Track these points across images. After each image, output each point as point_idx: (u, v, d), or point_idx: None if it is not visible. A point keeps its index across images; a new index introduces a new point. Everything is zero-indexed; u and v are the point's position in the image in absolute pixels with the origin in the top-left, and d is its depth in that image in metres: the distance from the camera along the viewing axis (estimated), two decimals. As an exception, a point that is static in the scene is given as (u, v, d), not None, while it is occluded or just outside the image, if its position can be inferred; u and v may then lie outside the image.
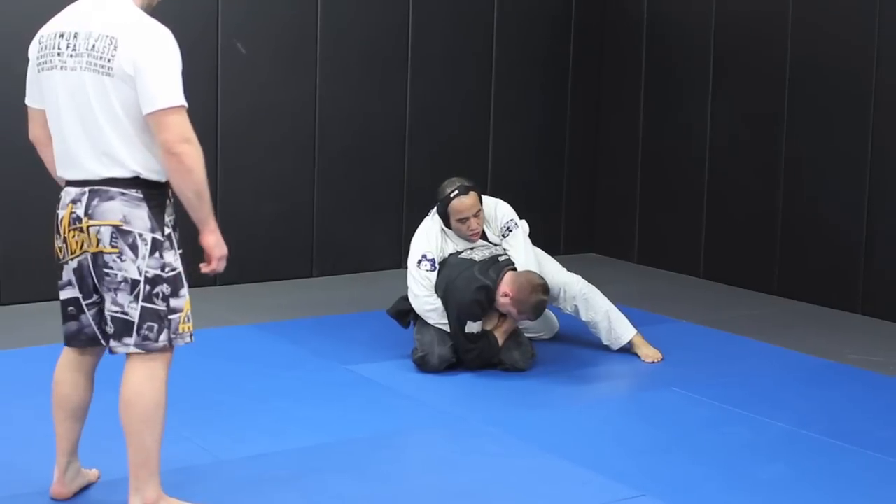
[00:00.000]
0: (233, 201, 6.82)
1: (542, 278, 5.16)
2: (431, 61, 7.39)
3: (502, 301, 5.08)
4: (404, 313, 5.39)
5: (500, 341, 5.18)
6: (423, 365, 5.18)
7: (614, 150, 8.02)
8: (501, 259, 5.24)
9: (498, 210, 5.47)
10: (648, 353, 5.46)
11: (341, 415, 4.61)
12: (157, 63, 3.26)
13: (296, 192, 7.07)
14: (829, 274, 6.69)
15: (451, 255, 5.33)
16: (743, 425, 4.60)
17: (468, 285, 5.08)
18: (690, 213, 7.46)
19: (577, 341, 5.72)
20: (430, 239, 5.35)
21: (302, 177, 7.07)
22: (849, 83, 6.51)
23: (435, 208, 5.41)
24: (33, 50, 3.50)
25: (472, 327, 5.12)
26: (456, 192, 5.29)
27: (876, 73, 6.38)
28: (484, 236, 5.43)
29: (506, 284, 5.07)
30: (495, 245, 5.39)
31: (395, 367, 5.24)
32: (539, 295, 5.05)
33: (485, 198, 5.47)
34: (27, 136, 6.25)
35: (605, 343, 5.51)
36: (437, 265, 5.28)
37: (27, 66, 6.47)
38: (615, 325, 5.49)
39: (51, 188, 6.16)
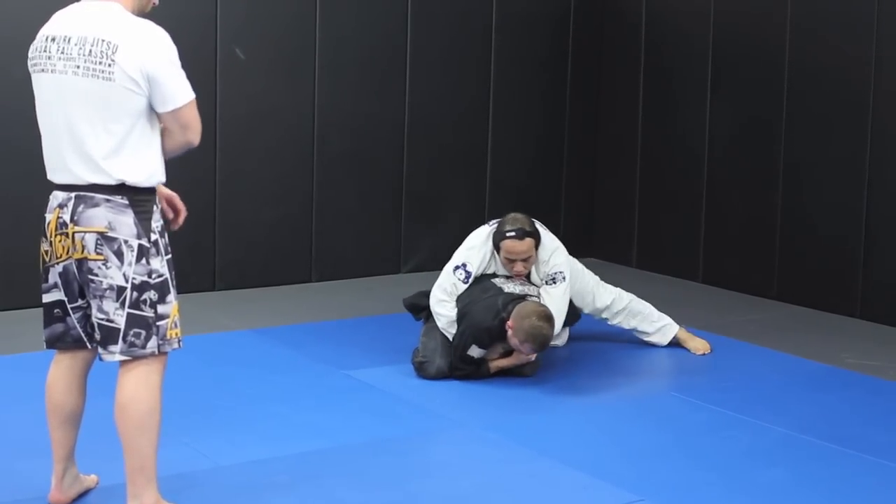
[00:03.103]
0: (232, 206, 6.82)
1: (546, 309, 5.03)
2: (430, 66, 7.39)
3: (509, 334, 5.01)
4: (419, 308, 5.39)
5: (492, 372, 5.16)
6: (419, 370, 5.17)
7: (613, 155, 8.03)
8: (529, 299, 5.12)
9: (553, 258, 5.31)
10: (696, 345, 5.71)
11: (340, 420, 4.61)
12: (166, 64, 3.32)
13: (295, 197, 7.07)
14: (827, 278, 6.69)
15: (488, 273, 5.29)
16: (742, 430, 4.60)
17: (487, 313, 5.03)
18: (689, 217, 7.46)
19: (579, 347, 5.72)
20: (478, 253, 5.31)
21: (301, 182, 7.07)
22: (847, 87, 6.52)
23: (496, 226, 5.33)
24: (29, 53, 3.50)
25: (475, 352, 5.09)
26: (513, 234, 5.20)
27: (874, 78, 6.38)
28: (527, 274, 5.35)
29: (511, 316, 4.99)
30: (535, 286, 5.30)
31: (395, 373, 5.24)
32: (533, 320, 4.91)
33: (548, 239, 5.35)
34: (24, 141, 6.26)
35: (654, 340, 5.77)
36: (471, 279, 5.26)
37: (25, 70, 6.47)
38: (659, 329, 5.75)
39: (49, 193, 6.18)
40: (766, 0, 6.94)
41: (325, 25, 7.00)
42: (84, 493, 3.74)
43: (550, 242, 5.37)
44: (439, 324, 5.21)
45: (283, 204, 7.03)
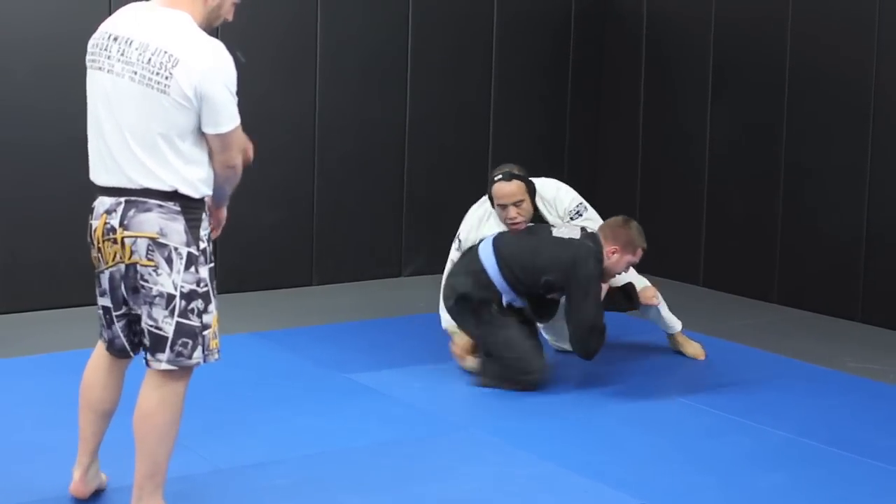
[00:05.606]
0: (232, 209, 6.75)
1: (620, 217, 5.12)
2: (431, 69, 7.40)
3: (611, 262, 4.95)
4: (464, 301, 5.12)
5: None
6: (533, 385, 4.97)
7: (613, 159, 8.03)
8: (590, 230, 5.06)
9: (562, 194, 5.35)
10: (695, 350, 5.64)
11: (341, 424, 4.60)
12: (221, 88, 3.30)
13: (296, 201, 7.07)
14: (828, 282, 6.69)
15: (541, 225, 5.19)
16: (743, 434, 4.60)
17: (589, 259, 4.89)
18: (690, 221, 7.46)
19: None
20: (471, 218, 5.38)
21: (302, 185, 7.07)
22: (848, 91, 6.52)
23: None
24: (88, 46, 3.42)
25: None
26: (500, 177, 5.21)
27: (875, 81, 6.39)
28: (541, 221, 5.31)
29: (606, 244, 4.94)
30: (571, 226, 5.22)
31: (396, 376, 5.24)
32: (631, 223, 5.00)
33: (546, 182, 5.36)
34: (27, 143, 6.29)
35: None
36: (462, 245, 5.30)
37: (27, 73, 6.50)
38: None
39: (51, 196, 6.19)
40: (767, 3, 6.95)
41: (326, 28, 7.00)
42: (99, 492, 3.74)
43: (552, 185, 5.39)
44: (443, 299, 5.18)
45: (283, 207, 7.03)
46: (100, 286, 3.45)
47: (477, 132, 7.65)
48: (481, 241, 5.19)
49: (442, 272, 5.41)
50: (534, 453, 4.32)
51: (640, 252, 5.04)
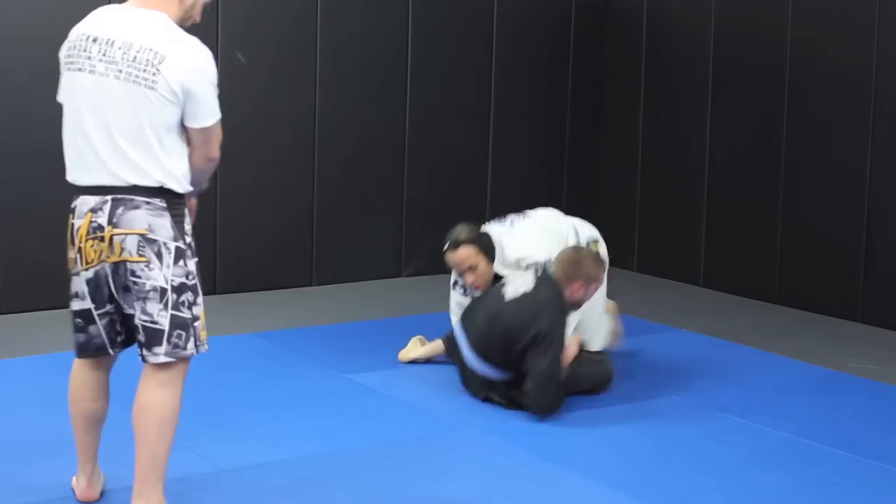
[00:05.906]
0: (232, 211, 6.81)
1: (567, 249, 4.92)
2: (431, 72, 7.39)
3: (578, 296, 4.78)
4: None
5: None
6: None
7: (614, 159, 8.03)
8: (540, 274, 4.88)
9: (529, 249, 5.06)
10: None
11: (341, 424, 4.60)
12: (206, 84, 3.33)
13: (295, 202, 7.06)
14: (829, 283, 6.69)
15: (493, 290, 4.97)
16: (744, 434, 4.59)
17: (545, 311, 4.71)
18: (690, 222, 7.46)
19: (577, 350, 5.71)
20: None
21: (301, 186, 7.06)
22: (848, 92, 6.52)
23: None
24: (62, 50, 3.45)
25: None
26: (447, 245, 5.10)
27: (875, 83, 6.38)
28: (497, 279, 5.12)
29: (568, 284, 4.75)
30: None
31: (395, 377, 5.23)
32: (582, 253, 4.82)
33: (521, 235, 5.13)
34: (26, 145, 6.28)
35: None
36: (468, 292, 5.20)
37: (27, 74, 6.49)
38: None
39: (50, 197, 6.18)
40: (767, 5, 6.95)
41: (326, 29, 6.99)
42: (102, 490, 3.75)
43: (527, 239, 5.13)
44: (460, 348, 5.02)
45: (283, 208, 7.03)
46: (74, 288, 3.46)
47: (477, 132, 7.65)
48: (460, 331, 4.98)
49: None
50: (534, 453, 4.32)
51: (603, 276, 4.91)
